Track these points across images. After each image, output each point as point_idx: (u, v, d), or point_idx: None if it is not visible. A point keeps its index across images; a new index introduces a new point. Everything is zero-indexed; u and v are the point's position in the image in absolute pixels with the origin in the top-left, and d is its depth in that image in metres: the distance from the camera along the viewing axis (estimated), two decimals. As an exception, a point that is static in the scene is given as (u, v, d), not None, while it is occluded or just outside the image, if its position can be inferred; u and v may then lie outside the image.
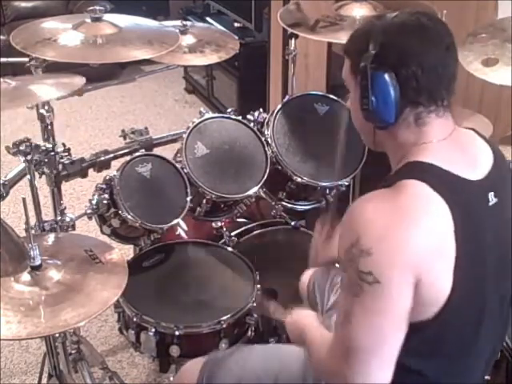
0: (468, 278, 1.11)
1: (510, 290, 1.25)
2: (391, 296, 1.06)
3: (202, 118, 1.96)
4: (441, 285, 1.09)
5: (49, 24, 1.82)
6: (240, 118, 2.03)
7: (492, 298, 1.20)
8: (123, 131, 2.02)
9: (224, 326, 1.73)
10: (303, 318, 1.36)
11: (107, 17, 1.79)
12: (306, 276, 1.76)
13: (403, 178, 1.12)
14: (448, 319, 1.12)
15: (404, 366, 1.12)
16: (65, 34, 1.73)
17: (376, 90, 1.16)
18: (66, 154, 1.84)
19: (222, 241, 2.06)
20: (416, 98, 1.16)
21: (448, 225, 1.09)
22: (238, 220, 2.16)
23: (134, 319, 1.75)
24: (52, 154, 1.77)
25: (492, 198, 1.17)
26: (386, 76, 1.14)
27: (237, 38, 2.20)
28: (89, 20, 1.76)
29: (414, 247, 1.06)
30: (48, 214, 1.94)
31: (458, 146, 1.19)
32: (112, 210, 1.77)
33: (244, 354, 1.56)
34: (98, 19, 1.76)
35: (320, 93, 2.15)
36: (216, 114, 2.01)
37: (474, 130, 1.28)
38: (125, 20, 1.84)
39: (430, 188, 1.09)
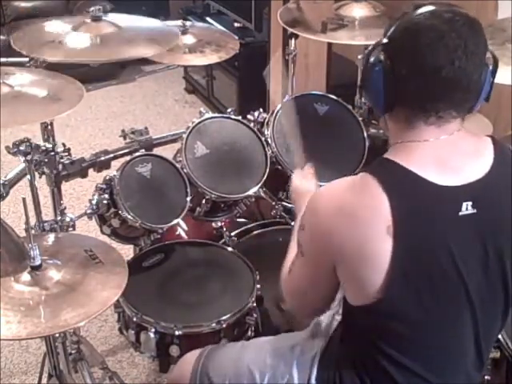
0: (406, 276, 1.14)
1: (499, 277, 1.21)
2: (311, 267, 1.25)
3: (202, 118, 1.96)
4: (373, 274, 1.14)
5: (51, 27, 1.83)
6: (240, 118, 2.03)
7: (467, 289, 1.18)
8: (123, 131, 2.02)
9: (224, 325, 1.73)
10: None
11: (108, 17, 1.80)
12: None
13: (365, 171, 1.16)
14: (388, 311, 1.17)
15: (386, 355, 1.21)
16: (68, 36, 1.74)
17: (370, 79, 1.17)
18: (66, 154, 1.84)
19: (222, 241, 2.06)
20: (405, 99, 1.15)
21: (383, 221, 1.10)
22: (238, 220, 2.16)
23: (134, 319, 1.75)
24: (52, 154, 1.77)
25: (467, 208, 1.13)
26: (382, 70, 1.14)
27: (237, 38, 2.21)
28: (89, 20, 1.77)
29: (336, 237, 1.14)
30: (48, 214, 1.94)
31: (444, 150, 1.16)
32: (112, 209, 1.77)
33: (239, 344, 1.57)
34: (98, 19, 1.77)
35: (320, 93, 2.15)
36: (216, 114, 2.01)
37: (493, 138, 1.23)
38: (126, 20, 1.85)
39: (378, 183, 1.11)
